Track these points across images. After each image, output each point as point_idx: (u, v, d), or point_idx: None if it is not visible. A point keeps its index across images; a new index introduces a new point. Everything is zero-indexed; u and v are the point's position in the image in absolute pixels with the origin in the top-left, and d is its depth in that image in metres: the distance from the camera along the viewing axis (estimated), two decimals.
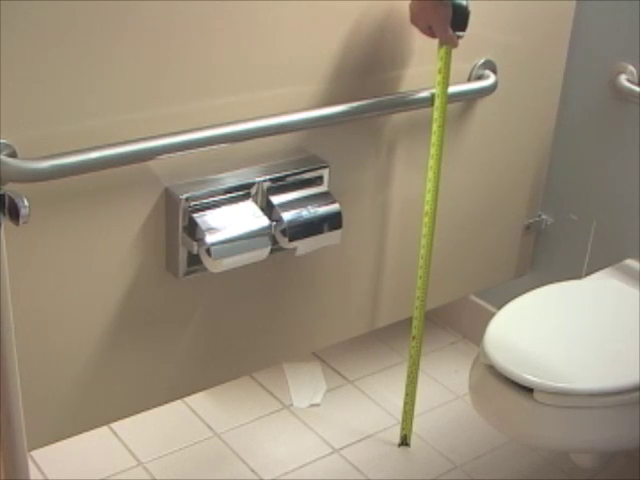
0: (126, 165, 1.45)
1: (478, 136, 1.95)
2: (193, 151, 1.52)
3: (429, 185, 1.84)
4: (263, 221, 1.62)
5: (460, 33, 1.70)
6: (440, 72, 1.76)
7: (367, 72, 1.74)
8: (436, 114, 1.79)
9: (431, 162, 1.82)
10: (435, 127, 1.80)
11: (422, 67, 1.81)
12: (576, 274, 2.16)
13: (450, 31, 1.68)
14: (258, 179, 1.65)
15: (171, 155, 1.50)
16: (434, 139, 1.80)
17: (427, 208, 1.86)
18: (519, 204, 2.21)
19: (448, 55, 1.74)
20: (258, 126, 1.59)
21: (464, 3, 1.67)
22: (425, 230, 1.87)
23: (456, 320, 2.56)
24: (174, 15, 1.43)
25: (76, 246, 1.49)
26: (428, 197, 1.85)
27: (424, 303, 1.95)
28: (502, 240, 2.23)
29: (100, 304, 1.56)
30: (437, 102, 1.78)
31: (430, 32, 1.69)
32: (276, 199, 1.67)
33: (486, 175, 2.09)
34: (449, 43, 1.71)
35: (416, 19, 1.69)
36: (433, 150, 1.81)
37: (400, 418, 2.13)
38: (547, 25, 2.01)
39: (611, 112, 2.04)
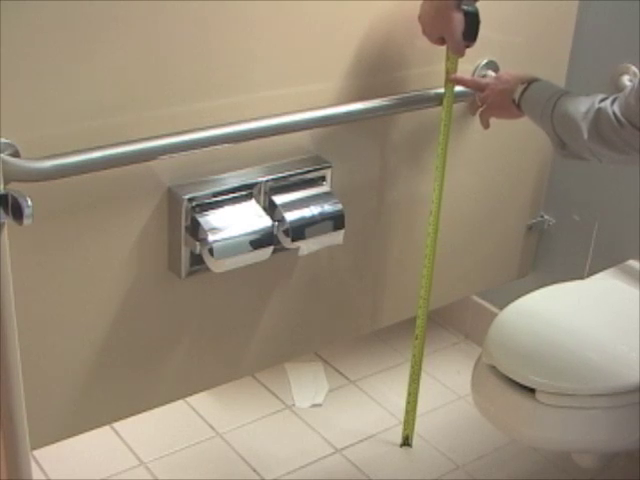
0: (129, 165, 1.45)
1: (480, 136, 1.95)
2: (196, 151, 1.52)
3: (435, 184, 1.84)
4: (266, 221, 1.62)
5: (469, 43, 1.70)
6: (448, 72, 1.76)
7: (372, 72, 1.74)
8: (443, 114, 1.79)
9: (437, 162, 1.83)
10: (442, 126, 1.80)
11: (427, 67, 1.81)
12: (578, 275, 2.16)
13: (462, 42, 1.68)
14: (261, 179, 1.65)
15: (174, 155, 1.50)
16: (441, 138, 1.81)
17: (433, 207, 1.86)
18: (521, 204, 2.21)
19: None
20: (261, 126, 1.59)
21: (476, 10, 1.66)
22: (430, 229, 1.88)
23: (458, 320, 2.56)
24: (178, 14, 1.44)
25: (78, 245, 1.49)
26: (434, 196, 1.85)
27: (428, 303, 1.95)
28: (504, 240, 2.23)
29: (102, 304, 1.56)
30: (445, 102, 1.79)
31: (440, 41, 1.69)
32: (279, 199, 1.67)
33: (488, 175, 2.09)
34: (458, 53, 1.72)
35: (429, 31, 1.68)
36: (440, 149, 1.81)
37: (402, 418, 2.13)
38: (549, 26, 2.01)
39: None
